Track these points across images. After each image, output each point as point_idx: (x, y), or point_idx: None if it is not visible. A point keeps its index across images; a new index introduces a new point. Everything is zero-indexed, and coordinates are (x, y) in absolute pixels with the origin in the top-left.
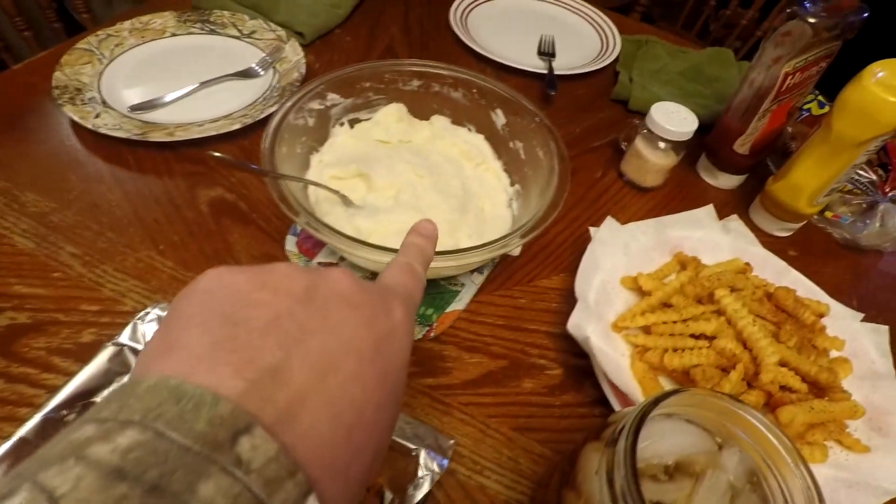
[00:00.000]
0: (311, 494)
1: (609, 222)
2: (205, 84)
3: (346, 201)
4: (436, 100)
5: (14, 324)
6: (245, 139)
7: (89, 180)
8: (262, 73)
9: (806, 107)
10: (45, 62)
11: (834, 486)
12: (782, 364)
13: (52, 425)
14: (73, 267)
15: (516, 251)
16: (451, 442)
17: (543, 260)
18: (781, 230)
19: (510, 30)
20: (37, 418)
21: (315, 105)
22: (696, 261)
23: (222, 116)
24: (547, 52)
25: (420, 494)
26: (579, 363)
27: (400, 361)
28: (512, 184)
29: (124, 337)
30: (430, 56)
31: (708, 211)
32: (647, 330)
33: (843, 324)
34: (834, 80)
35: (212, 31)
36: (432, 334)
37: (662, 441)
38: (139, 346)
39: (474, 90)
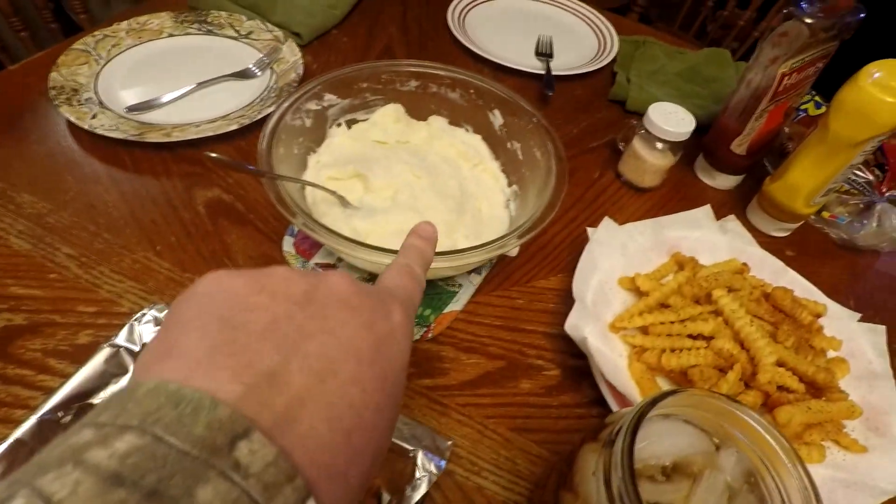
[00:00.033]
0: (310, 498)
1: (606, 223)
2: (202, 85)
3: (343, 202)
4: (433, 100)
5: (10, 325)
6: (242, 140)
7: (86, 181)
8: (259, 73)
9: (803, 107)
10: (41, 63)
11: (831, 487)
12: (780, 364)
13: (48, 427)
14: (69, 268)
15: (514, 252)
16: (449, 443)
17: (541, 260)
18: (779, 230)
19: (508, 30)
20: (32, 420)
21: (312, 106)
22: (694, 261)
23: (219, 117)
24: (544, 53)
25: (417, 495)
26: (577, 364)
27: (399, 364)
28: (509, 184)
29: (121, 338)
30: (428, 56)
31: (705, 211)
32: (644, 330)
33: (841, 324)
34: (831, 81)
35: (209, 32)
36: (430, 335)
37: (660, 442)
38: (136, 348)
39: (472, 91)
